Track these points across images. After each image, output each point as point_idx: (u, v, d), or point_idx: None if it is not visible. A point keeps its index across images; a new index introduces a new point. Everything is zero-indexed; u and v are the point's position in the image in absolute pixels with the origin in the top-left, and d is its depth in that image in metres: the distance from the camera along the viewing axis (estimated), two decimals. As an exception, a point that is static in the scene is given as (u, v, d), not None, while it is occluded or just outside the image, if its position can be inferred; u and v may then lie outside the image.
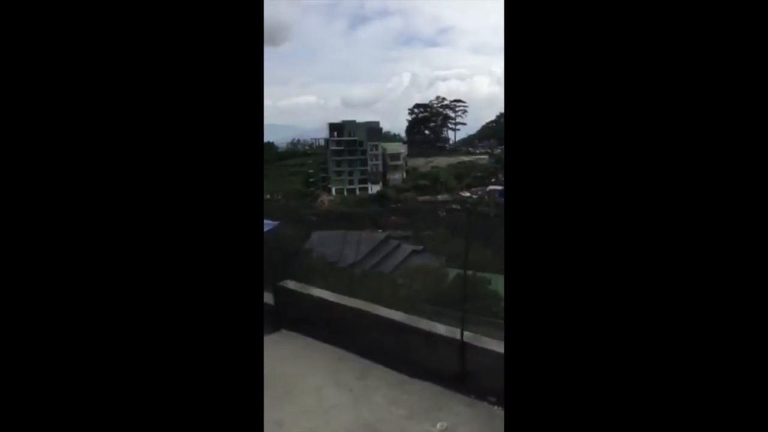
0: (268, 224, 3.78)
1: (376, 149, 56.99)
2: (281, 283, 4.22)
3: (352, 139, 56.56)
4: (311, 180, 57.37)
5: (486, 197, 45.07)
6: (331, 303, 3.77)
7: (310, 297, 3.93)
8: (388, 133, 71.35)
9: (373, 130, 58.33)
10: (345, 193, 54.70)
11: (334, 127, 57.85)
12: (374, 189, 54.49)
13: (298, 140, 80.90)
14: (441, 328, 3.18)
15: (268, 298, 4.34)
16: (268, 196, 49.53)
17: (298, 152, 69.98)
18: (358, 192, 54.88)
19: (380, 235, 36.72)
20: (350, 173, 56.00)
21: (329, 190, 55.47)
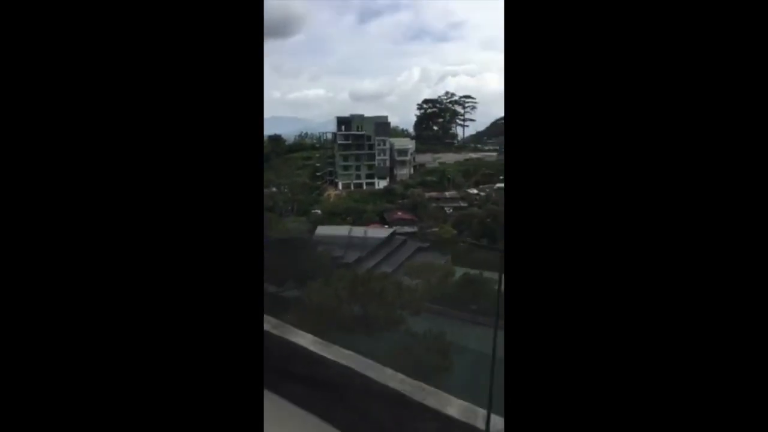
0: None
1: (384, 144, 56.13)
2: (252, 319, 3.37)
3: (359, 134, 55.74)
4: (318, 174, 56.71)
5: (494, 195, 44.22)
6: (312, 354, 2.91)
7: (287, 343, 3.06)
8: (396, 128, 70.36)
9: (381, 124, 57.44)
10: (352, 187, 53.97)
11: (342, 121, 57.07)
12: (381, 184, 53.72)
13: (306, 133, 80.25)
14: (455, 405, 2.30)
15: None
16: (275, 189, 49.23)
17: (306, 145, 69.38)
18: (365, 187, 54.12)
19: (386, 231, 36.19)
20: (357, 168, 55.27)
21: (336, 185, 54.78)
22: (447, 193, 48.82)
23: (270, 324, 3.28)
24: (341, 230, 32.79)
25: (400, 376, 2.59)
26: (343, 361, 2.76)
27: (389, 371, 2.64)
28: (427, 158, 59.28)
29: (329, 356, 2.83)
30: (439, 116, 75.99)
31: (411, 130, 75.77)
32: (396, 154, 56.18)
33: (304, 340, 3.04)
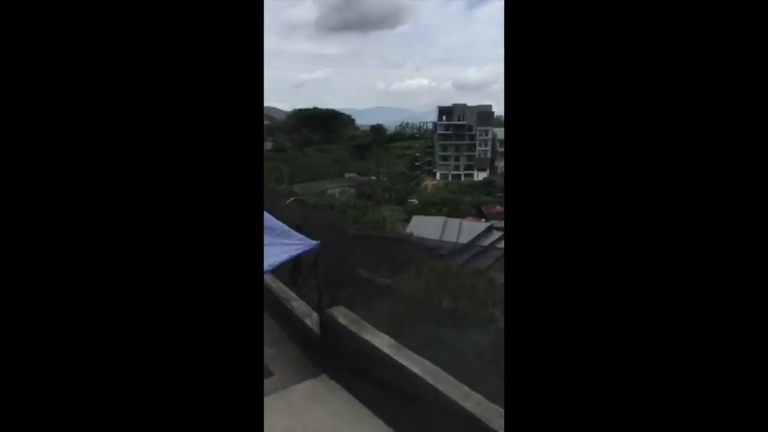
0: (303, 245, 2.92)
1: (486, 134, 54.18)
2: (330, 311, 3.36)
3: (460, 123, 54.48)
4: (417, 163, 56.83)
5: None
6: (384, 357, 2.79)
7: (360, 340, 2.99)
8: (500, 117, 67.45)
9: (484, 114, 55.45)
10: (450, 178, 53.18)
11: (443, 111, 56.27)
12: (481, 176, 52.05)
13: (407, 123, 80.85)
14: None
15: (314, 323, 3.53)
16: (374, 178, 50.53)
17: (406, 135, 69.90)
18: (463, 178, 52.98)
19: (483, 224, 34.97)
20: (456, 158, 54.18)
21: (434, 175, 54.40)
22: (552, 188, 45.44)
23: (348, 319, 3.24)
24: (436, 222, 32.47)
25: (477, 396, 2.34)
26: (417, 370, 2.59)
27: (465, 389, 2.41)
28: (532, 150, 55.77)
29: (403, 362, 2.69)
30: (548, 105, 70.78)
31: (516, 119, 71.82)
32: (498, 144, 53.88)
33: (379, 340, 2.93)
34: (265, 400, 3.02)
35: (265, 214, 3.41)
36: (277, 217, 3.38)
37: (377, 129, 67.32)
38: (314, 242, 2.94)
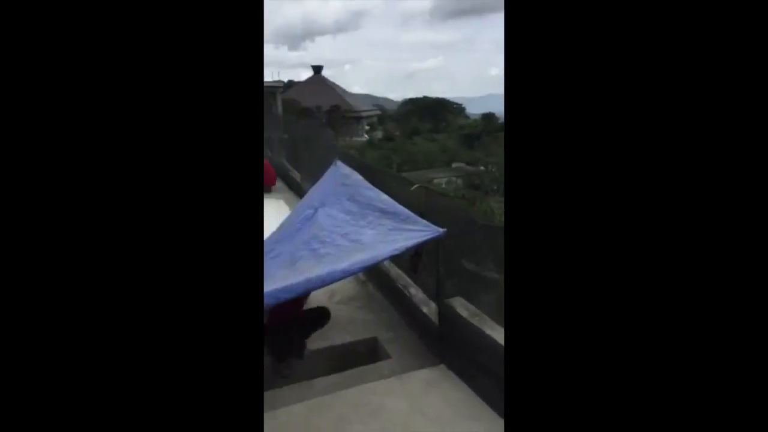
0: (428, 231, 2.87)
1: (612, 122, 48.82)
2: (449, 301, 3.30)
3: (582, 110, 49.87)
4: (529, 154, 53.60)
5: None
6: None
7: (480, 334, 2.89)
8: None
9: (611, 98, 49.93)
10: (566, 170, 49.21)
11: (562, 96, 51.89)
12: (603, 168, 47.25)
13: (521, 110, 76.45)
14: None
15: (432, 312, 3.50)
16: (482, 168, 49.09)
17: (519, 123, 66.15)
18: (582, 170, 48.67)
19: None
20: (575, 148, 49.76)
21: (548, 166, 50.74)
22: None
23: (468, 311, 3.16)
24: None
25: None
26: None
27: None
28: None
29: (529, 362, 2.53)
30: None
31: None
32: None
33: (501, 335, 2.80)
34: (384, 382, 3.10)
35: (389, 199, 3.45)
36: (399, 203, 3.40)
37: (488, 117, 64.87)
38: (441, 229, 2.88)
